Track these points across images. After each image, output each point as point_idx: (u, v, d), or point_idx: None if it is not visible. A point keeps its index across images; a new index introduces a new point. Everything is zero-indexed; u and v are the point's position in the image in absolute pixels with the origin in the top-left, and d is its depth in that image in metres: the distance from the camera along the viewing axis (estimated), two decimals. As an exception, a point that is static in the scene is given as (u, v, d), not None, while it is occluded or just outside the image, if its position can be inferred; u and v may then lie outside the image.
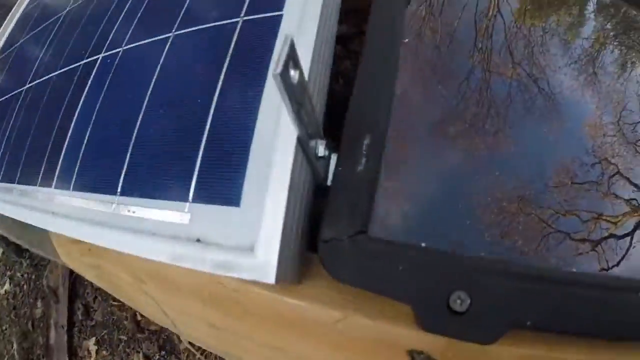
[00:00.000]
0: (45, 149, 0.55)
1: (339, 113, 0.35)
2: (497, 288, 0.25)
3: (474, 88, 0.36)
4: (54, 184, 0.51)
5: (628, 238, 0.35)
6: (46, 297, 1.13)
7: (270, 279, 0.25)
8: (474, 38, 0.41)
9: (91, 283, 1.10)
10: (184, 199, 0.34)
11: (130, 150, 0.43)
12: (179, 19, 0.52)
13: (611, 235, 0.34)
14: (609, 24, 0.55)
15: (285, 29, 0.40)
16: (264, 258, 0.26)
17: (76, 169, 0.49)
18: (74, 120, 0.55)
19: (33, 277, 1.21)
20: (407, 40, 0.40)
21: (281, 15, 0.41)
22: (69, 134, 0.54)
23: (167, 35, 0.51)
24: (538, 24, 0.47)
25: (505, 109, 0.36)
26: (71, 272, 1.14)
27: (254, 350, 0.41)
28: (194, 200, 0.34)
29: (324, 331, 0.32)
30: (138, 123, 0.45)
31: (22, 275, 1.23)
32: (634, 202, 0.37)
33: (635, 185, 0.37)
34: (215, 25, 0.47)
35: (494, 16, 0.46)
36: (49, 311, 1.10)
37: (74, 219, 0.42)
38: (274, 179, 0.29)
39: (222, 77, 0.40)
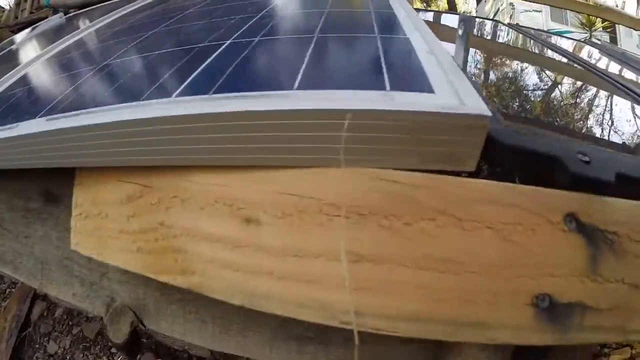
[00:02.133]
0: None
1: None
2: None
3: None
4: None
5: None
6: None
7: (488, 112, 0.30)
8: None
9: (45, 347, 0.75)
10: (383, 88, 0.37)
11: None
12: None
13: None
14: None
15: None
16: (476, 105, 0.31)
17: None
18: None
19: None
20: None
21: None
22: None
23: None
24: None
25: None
26: (23, 327, 0.82)
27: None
28: (392, 89, 0.37)
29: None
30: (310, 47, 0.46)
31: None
32: None
33: None
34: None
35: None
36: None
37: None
38: (453, 75, 0.37)
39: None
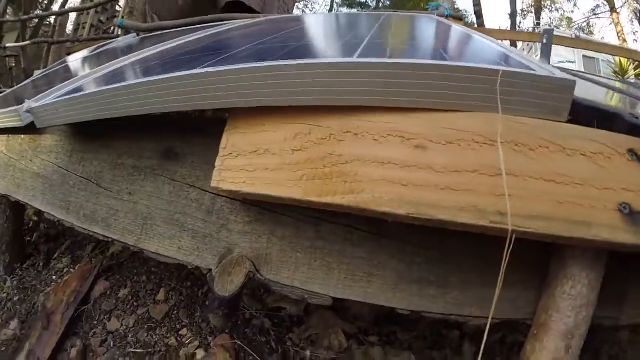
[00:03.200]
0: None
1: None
2: None
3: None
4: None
5: None
6: (28, 319, 0.85)
7: (574, 78, 0.53)
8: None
9: (105, 324, 0.71)
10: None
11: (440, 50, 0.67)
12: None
13: None
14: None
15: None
16: (565, 75, 0.55)
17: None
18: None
19: (15, 299, 0.93)
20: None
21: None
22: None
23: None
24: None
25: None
26: (84, 302, 0.85)
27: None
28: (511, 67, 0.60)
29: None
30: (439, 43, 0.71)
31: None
32: None
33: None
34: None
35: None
36: (28, 333, 0.81)
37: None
38: (542, 64, 0.61)
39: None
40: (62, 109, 0.63)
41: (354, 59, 0.57)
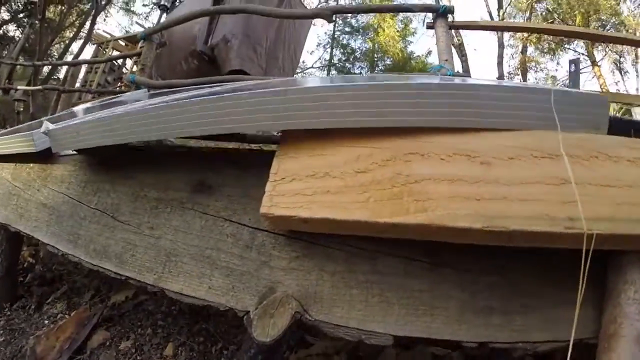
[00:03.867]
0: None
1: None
2: None
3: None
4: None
5: None
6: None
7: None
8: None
9: None
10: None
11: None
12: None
13: None
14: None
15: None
16: (597, 93, 0.62)
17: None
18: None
19: (0, 340, 0.84)
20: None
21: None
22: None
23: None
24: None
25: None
26: (79, 351, 0.73)
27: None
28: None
29: None
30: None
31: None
32: None
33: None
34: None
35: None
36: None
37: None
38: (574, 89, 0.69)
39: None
40: (84, 132, 0.56)
41: (416, 81, 0.59)
